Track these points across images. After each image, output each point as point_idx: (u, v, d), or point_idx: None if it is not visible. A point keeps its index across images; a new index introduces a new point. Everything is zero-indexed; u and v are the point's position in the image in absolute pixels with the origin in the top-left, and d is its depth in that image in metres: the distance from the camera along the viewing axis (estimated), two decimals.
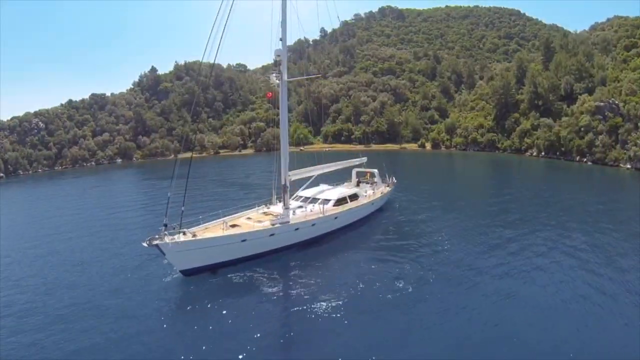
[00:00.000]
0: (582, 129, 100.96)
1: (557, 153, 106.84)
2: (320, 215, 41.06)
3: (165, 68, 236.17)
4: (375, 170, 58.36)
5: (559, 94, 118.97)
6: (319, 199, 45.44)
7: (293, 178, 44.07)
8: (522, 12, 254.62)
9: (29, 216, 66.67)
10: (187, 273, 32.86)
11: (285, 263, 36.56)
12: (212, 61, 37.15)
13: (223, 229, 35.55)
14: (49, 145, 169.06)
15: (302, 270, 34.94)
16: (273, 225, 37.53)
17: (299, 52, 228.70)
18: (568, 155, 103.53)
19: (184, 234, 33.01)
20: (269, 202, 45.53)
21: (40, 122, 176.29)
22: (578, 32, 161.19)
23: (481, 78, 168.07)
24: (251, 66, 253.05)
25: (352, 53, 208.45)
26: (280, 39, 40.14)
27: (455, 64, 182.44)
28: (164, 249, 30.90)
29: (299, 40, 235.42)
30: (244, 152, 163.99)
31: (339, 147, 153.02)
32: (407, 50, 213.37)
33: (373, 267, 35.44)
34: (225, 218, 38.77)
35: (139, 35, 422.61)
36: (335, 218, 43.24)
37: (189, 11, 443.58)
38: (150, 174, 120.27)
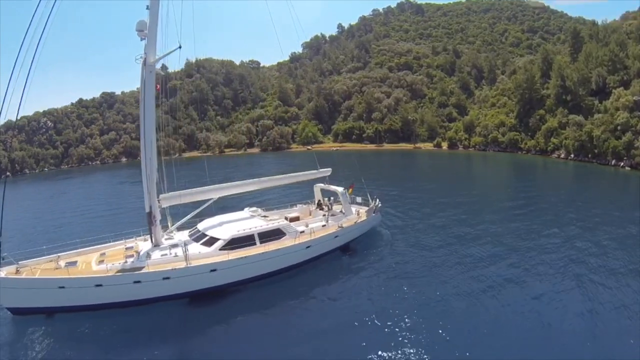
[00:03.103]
0: (619, 127, 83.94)
1: (589, 155, 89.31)
2: (180, 266, 27.41)
3: (177, 66, 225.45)
4: (340, 189, 39.95)
5: (590, 87, 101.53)
6: (207, 235, 31.06)
7: (166, 204, 31.38)
8: (546, 4, 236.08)
9: None
10: (14, 312, 26.55)
11: (122, 327, 25.55)
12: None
13: (54, 267, 27.49)
14: (56, 144, 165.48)
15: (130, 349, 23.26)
16: (121, 270, 26.93)
17: (315, 48, 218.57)
18: (602, 158, 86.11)
19: None
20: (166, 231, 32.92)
21: (48, 121, 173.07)
22: (608, 21, 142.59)
23: (503, 73, 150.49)
24: (268, 63, 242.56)
25: (367, 48, 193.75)
26: (147, 7, 27.74)
27: (475, 58, 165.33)
28: None
29: (316, 36, 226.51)
30: (249, 151, 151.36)
31: (349, 146, 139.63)
32: (426, 45, 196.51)
33: None
34: (64, 253, 29.59)
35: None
36: (213, 271, 28.24)
37: (205, 8, 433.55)
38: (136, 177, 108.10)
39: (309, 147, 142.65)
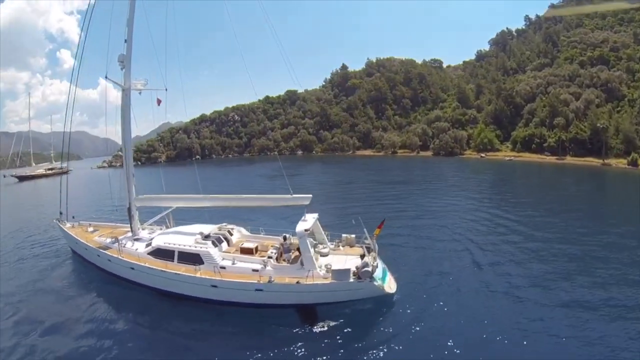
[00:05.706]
0: None
1: None
2: (115, 255, 31.58)
3: (358, 65, 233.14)
4: (301, 228, 26.48)
5: None
6: (152, 238, 32.49)
7: (140, 204, 35.08)
8: None
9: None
10: (72, 250, 38.86)
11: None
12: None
13: (84, 230, 38.08)
14: (240, 135, 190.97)
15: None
16: (98, 245, 34.21)
17: (502, 45, 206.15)
18: None
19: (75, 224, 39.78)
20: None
21: (236, 115, 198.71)
22: None
23: None
24: (453, 62, 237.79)
25: (554, 41, 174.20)
26: (125, 41, 32.19)
27: None
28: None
29: (502, 31, 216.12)
30: (422, 153, 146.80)
31: (526, 156, 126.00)
32: (627, 33, 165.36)
33: None
34: (98, 223, 40.47)
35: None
36: (132, 269, 30.54)
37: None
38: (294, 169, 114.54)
39: (482, 155, 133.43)
